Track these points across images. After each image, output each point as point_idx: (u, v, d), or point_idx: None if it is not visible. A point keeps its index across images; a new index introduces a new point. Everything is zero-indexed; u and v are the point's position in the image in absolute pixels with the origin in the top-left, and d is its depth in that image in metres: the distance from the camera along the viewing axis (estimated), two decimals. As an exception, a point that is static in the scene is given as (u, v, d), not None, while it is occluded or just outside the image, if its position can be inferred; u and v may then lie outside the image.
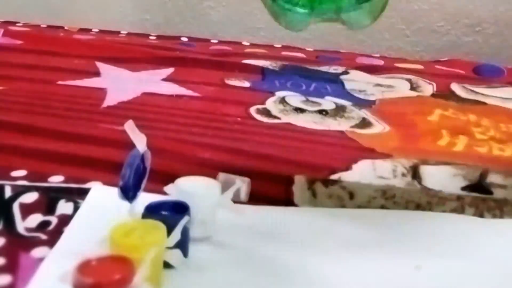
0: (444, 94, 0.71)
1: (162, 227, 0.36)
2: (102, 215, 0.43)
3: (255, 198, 0.46)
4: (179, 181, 0.41)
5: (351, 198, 0.47)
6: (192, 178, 0.42)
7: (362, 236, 0.42)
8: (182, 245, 0.37)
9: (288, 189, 0.47)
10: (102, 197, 0.45)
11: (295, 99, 0.66)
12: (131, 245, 0.35)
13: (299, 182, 0.48)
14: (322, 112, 0.63)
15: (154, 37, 0.88)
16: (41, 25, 0.89)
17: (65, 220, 0.42)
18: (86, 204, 0.44)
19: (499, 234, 0.44)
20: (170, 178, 0.48)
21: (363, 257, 0.40)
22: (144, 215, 0.38)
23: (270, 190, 0.47)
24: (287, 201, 0.47)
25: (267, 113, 0.62)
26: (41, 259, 0.38)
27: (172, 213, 0.39)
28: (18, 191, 0.45)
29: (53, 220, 0.42)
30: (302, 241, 0.41)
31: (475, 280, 0.38)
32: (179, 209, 0.39)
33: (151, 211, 0.38)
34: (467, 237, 0.43)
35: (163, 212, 0.39)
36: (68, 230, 0.41)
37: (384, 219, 0.45)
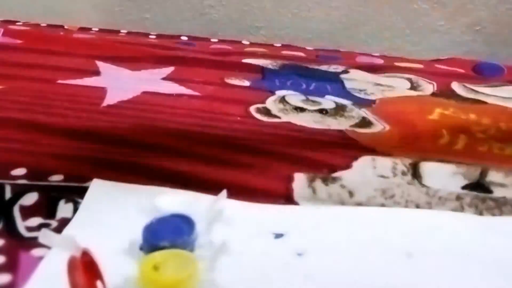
0: (445, 93, 0.71)
1: (194, 259, 0.34)
2: (103, 211, 0.43)
3: (256, 195, 0.46)
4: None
5: (350, 196, 0.47)
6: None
7: (360, 233, 0.42)
8: None
9: (289, 186, 0.47)
10: (102, 193, 0.45)
11: (295, 98, 0.66)
12: (164, 281, 0.33)
13: (299, 179, 0.48)
14: (322, 111, 0.63)
15: (154, 36, 0.88)
16: (41, 24, 0.89)
17: (65, 223, 0.42)
18: (86, 202, 0.44)
19: (497, 231, 0.44)
20: (170, 177, 0.48)
21: (359, 253, 0.40)
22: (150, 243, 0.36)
23: (270, 187, 0.47)
24: (287, 198, 0.47)
25: (267, 112, 0.62)
26: (41, 258, 0.38)
27: (176, 233, 0.37)
28: (18, 192, 0.45)
29: (54, 223, 0.42)
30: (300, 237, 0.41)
31: (474, 277, 0.38)
32: (180, 226, 0.38)
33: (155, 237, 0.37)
34: (466, 234, 0.43)
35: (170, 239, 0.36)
36: (68, 228, 0.41)
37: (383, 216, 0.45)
